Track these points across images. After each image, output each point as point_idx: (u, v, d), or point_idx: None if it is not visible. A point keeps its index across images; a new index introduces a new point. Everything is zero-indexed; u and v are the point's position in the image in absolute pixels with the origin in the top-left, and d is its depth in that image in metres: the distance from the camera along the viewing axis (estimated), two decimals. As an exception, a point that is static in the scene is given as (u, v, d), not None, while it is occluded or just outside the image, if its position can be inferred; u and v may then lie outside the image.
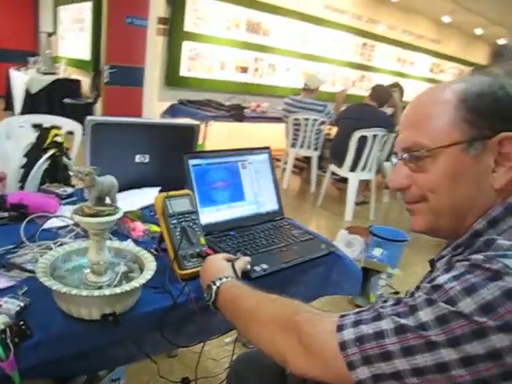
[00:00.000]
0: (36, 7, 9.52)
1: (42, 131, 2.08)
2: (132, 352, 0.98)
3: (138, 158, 1.46)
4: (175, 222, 1.11)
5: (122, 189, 1.50)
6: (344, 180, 5.07)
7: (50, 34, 7.19)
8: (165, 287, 1.04)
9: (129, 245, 1.04)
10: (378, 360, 0.61)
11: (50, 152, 1.78)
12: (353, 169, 4.43)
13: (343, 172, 4.53)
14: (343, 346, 0.65)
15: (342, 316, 0.69)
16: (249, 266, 1.13)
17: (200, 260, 1.11)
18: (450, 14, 7.42)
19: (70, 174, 0.85)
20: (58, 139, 1.90)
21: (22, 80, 6.62)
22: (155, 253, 1.18)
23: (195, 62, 5.85)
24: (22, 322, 0.82)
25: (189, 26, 5.57)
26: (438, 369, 0.57)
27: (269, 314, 0.81)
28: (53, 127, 2.08)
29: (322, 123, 5.06)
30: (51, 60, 7.07)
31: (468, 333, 0.55)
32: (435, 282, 0.62)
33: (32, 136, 2.15)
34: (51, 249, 1.05)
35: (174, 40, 5.49)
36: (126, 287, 0.85)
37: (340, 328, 0.67)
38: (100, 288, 0.89)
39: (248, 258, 1.12)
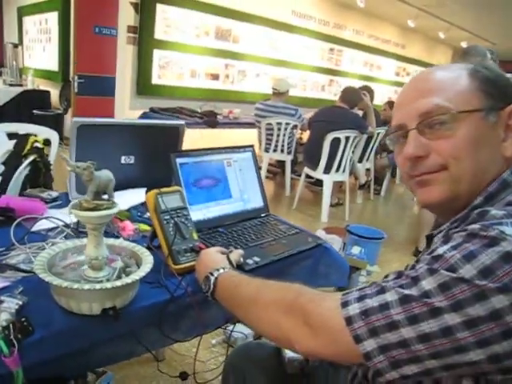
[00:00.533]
0: (0, 19, 9.35)
1: (20, 138, 2.05)
2: (132, 347, 0.99)
3: (123, 159, 1.47)
4: (168, 217, 1.12)
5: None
6: (318, 183, 5.16)
7: (15, 45, 7.05)
8: (160, 282, 1.05)
9: (123, 242, 1.05)
10: (384, 331, 0.63)
11: (31, 157, 1.77)
12: (327, 171, 4.51)
13: (317, 174, 4.61)
14: (349, 320, 0.67)
15: (345, 294, 0.72)
16: (242, 259, 1.15)
17: (194, 254, 1.13)
18: (414, 18, 7.67)
19: (68, 168, 0.85)
20: (38, 145, 1.89)
21: (-13, 92, 6.47)
22: (147, 250, 1.19)
23: (166, 70, 5.86)
24: (23, 319, 0.82)
25: (159, 34, 5.58)
26: (443, 333, 0.59)
27: (270, 297, 0.83)
28: (30, 134, 2.06)
29: (295, 127, 5.14)
30: (18, 71, 6.93)
31: (469, 296, 0.58)
32: (435, 253, 0.65)
33: (9, 144, 2.13)
34: (44, 249, 1.05)
35: (144, 48, 5.49)
36: (127, 280, 0.86)
37: (345, 304, 0.69)
38: (100, 282, 0.90)
39: (241, 251, 1.14)
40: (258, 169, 1.60)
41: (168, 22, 5.63)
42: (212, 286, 0.96)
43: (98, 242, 0.91)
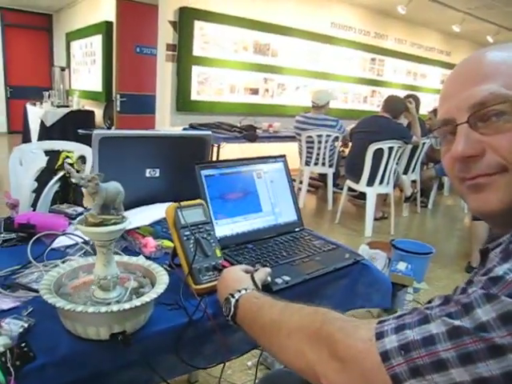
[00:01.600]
0: (51, 44, 9.81)
1: (53, 155, 2.05)
2: (146, 376, 0.90)
3: (148, 173, 1.40)
4: (188, 233, 1.04)
5: (132, 205, 1.45)
6: (361, 196, 4.98)
7: (63, 69, 7.32)
8: (179, 303, 0.96)
9: (139, 259, 0.97)
10: (429, 371, 0.51)
11: (61, 173, 1.74)
12: (370, 183, 4.33)
13: (360, 187, 4.44)
14: (385, 356, 0.55)
15: (381, 322, 0.60)
16: (269, 278, 1.05)
17: (216, 273, 1.04)
18: (460, 23, 7.38)
19: (73, 180, 0.78)
20: (69, 160, 1.87)
21: (37, 114, 6.73)
22: (168, 269, 1.11)
23: (205, 86, 5.88)
24: (23, 344, 0.75)
25: (197, 50, 5.62)
26: (507, 379, 0.47)
27: (295, 323, 0.72)
28: (64, 151, 2.06)
29: (336, 139, 5.00)
30: (64, 93, 7.19)
31: None
32: (493, 274, 0.52)
33: (43, 161, 2.13)
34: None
35: (183, 65, 5.54)
36: (136, 302, 0.78)
37: (380, 335, 0.57)
38: (108, 304, 0.82)
39: (268, 269, 1.04)
40: (292, 180, 1.50)
41: (206, 38, 5.67)
42: (232, 309, 0.87)
43: (108, 260, 0.83)
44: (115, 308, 0.76)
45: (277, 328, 0.75)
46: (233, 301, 0.87)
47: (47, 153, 2.27)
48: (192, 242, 1.03)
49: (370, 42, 7.65)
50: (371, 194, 4.37)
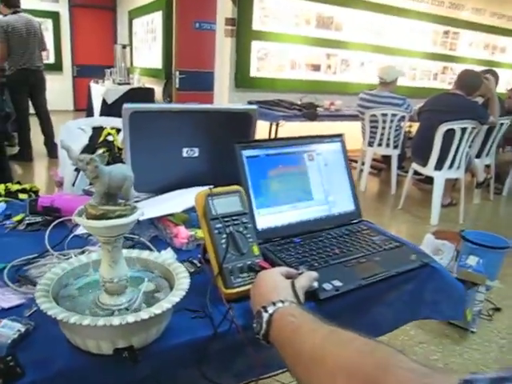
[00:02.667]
0: (114, 23, 9.95)
1: (95, 131, 1.96)
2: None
3: (185, 152, 1.25)
4: (220, 226, 0.87)
5: (166, 189, 1.31)
6: (428, 180, 4.62)
7: (124, 46, 7.36)
8: (205, 311, 0.81)
9: (161, 255, 0.82)
10: None
11: (99, 151, 1.64)
12: (438, 167, 3.98)
13: (427, 171, 4.10)
14: None
15: (468, 381, 0.41)
16: (316, 284, 0.87)
17: (252, 275, 0.87)
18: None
19: (70, 162, 0.63)
20: (110, 138, 1.76)
21: (99, 92, 6.82)
22: (199, 265, 0.95)
23: (264, 62, 5.67)
24: (10, 358, 0.62)
25: (256, 24, 5.39)
26: None
27: (344, 361, 0.54)
28: (108, 128, 1.96)
29: (402, 118, 4.64)
30: (126, 71, 7.23)
31: None
32: None
33: (88, 138, 2.05)
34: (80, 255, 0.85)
35: (243, 40, 5.34)
36: (143, 315, 0.62)
37: None
38: (113, 313, 0.67)
39: (314, 274, 0.86)
40: (349, 163, 1.29)
41: (266, 11, 5.43)
42: (264, 326, 0.70)
43: (114, 259, 0.68)
44: (116, 321, 0.61)
45: (318, 361, 0.57)
46: (265, 316, 0.70)
47: (95, 130, 2.20)
48: (224, 236, 0.87)
49: (443, 13, 7.05)
50: (439, 178, 4.02)
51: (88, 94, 7.67)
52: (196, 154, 1.26)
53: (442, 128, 3.79)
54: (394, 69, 4.86)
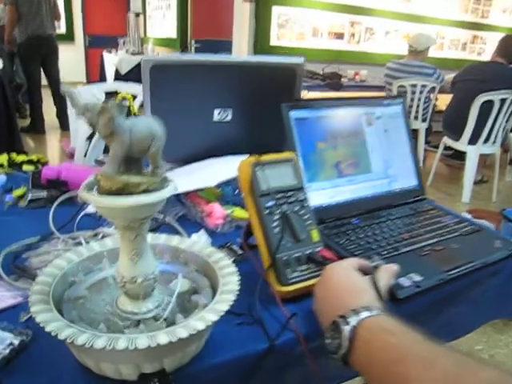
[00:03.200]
0: (128, -9, 9.64)
1: (109, 97, 1.76)
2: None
3: (217, 115, 1.04)
4: (271, 204, 0.67)
5: (194, 159, 1.11)
6: (456, 156, 4.36)
7: (137, 14, 7.07)
8: (253, 314, 0.61)
9: (196, 243, 0.62)
10: None
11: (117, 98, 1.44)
12: (473, 141, 3.71)
13: (460, 145, 3.83)
14: None
15: None
16: (392, 280, 0.67)
17: (312, 268, 0.67)
18: None
19: (74, 112, 0.43)
20: (126, 103, 1.56)
21: (112, 62, 6.59)
22: (240, 252, 0.76)
23: (285, 30, 5.36)
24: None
25: (277, -12, 5.08)
26: None
27: None
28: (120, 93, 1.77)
29: (432, 90, 4.34)
30: (139, 40, 6.97)
31: None
32: None
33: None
34: (82, 244, 0.66)
35: (262, 5, 5.04)
36: (181, 332, 0.43)
37: None
38: (138, 324, 0.48)
39: (395, 267, 0.66)
40: (411, 130, 1.07)
41: (287, -27, 5.11)
42: (346, 344, 0.50)
43: (137, 251, 0.49)
44: (142, 343, 0.41)
45: None
46: (346, 330, 0.50)
47: (108, 95, 2.00)
48: (277, 218, 0.67)
49: (475, -22, 6.62)
50: (473, 153, 3.76)
51: (101, 64, 7.44)
52: (229, 117, 1.05)
53: (479, 99, 3.51)
54: (427, 36, 4.52)
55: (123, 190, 0.44)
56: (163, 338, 0.42)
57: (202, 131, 1.05)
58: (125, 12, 9.22)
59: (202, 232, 0.79)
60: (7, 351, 0.51)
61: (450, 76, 4.29)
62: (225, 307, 0.48)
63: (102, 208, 0.44)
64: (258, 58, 1.08)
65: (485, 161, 4.33)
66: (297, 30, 5.44)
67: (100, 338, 0.42)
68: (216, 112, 1.04)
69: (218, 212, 0.85)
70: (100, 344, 0.41)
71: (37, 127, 5.07)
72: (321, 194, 0.90)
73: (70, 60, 8.81)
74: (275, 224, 0.66)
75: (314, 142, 0.91)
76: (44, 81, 5.12)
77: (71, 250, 0.59)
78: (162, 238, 0.62)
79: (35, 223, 0.87)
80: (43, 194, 0.96)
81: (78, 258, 0.57)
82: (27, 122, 5.21)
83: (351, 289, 0.57)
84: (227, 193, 0.95)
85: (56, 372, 0.51)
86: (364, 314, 0.51)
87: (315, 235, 0.70)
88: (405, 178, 1.05)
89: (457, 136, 3.81)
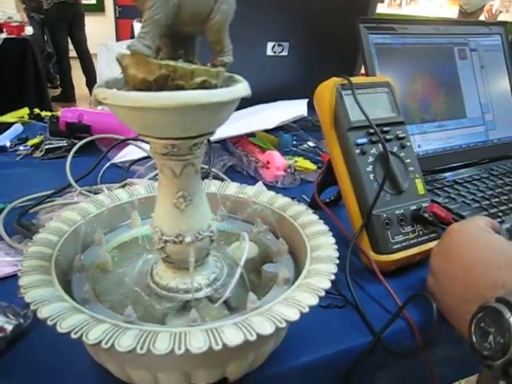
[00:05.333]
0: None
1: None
2: None
3: (271, 49, 0.85)
4: (365, 141, 0.48)
5: (245, 103, 0.92)
6: None
7: None
8: (342, 293, 0.43)
9: (264, 191, 0.44)
10: None
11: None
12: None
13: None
14: None
15: None
16: None
17: (420, 229, 0.48)
18: None
19: None
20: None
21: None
22: (312, 211, 0.57)
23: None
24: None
25: None
26: None
27: None
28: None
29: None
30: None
31: None
32: None
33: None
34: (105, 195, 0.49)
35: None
36: (261, 324, 0.25)
37: None
38: (185, 307, 0.31)
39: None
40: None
41: None
42: (517, 346, 0.31)
43: (186, 192, 0.31)
44: (197, 344, 0.24)
45: None
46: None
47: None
48: (371, 161, 0.48)
49: None
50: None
51: (131, 34, 7.28)
52: (285, 52, 0.86)
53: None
54: (481, -5, 4.15)
55: (167, 83, 0.25)
56: (234, 334, 0.24)
57: (254, 68, 0.85)
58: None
59: (260, 185, 0.61)
60: (-6, 342, 0.34)
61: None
62: (324, 283, 0.30)
63: (133, 112, 0.26)
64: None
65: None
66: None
67: (126, 332, 0.24)
68: (269, 45, 0.85)
69: (278, 161, 0.66)
70: (126, 343, 0.24)
71: (67, 96, 4.97)
72: (407, 142, 0.70)
73: (101, 31, 8.67)
74: (369, 169, 0.47)
75: (398, 75, 0.71)
76: (73, 53, 4.99)
77: (88, 199, 0.41)
78: (213, 186, 0.44)
79: (52, 176, 0.71)
80: (62, 142, 0.80)
81: (97, 210, 0.39)
82: (58, 91, 5.13)
83: (501, 259, 0.38)
84: (286, 140, 0.76)
85: (63, 370, 0.34)
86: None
87: (421, 186, 0.51)
88: (505, 126, 0.83)
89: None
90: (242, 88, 0.28)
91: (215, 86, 0.27)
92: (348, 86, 0.48)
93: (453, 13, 4.13)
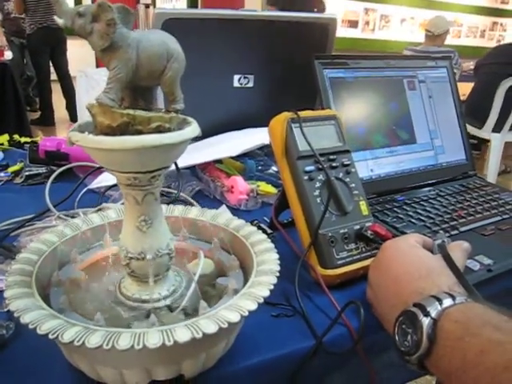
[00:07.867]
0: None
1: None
2: None
3: (237, 81, 0.92)
4: (312, 169, 0.55)
5: (213, 130, 0.99)
6: (476, 147, 4.18)
7: (147, 6, 6.96)
8: (292, 304, 0.49)
9: (219, 214, 0.50)
10: None
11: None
12: (497, 129, 3.54)
13: (483, 133, 3.65)
14: None
15: None
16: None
17: (363, 247, 0.54)
18: None
19: (59, 22, 0.30)
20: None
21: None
22: (269, 231, 0.63)
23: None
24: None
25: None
26: None
27: None
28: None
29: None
30: (150, 32, 6.86)
31: None
32: None
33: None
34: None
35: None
36: (207, 327, 0.31)
37: None
38: (148, 315, 0.36)
39: (466, 244, 0.52)
40: (459, 96, 0.94)
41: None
42: (426, 342, 0.37)
43: (146, 216, 0.37)
44: (153, 341, 0.29)
45: None
46: (426, 324, 0.38)
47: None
48: (318, 186, 0.54)
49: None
50: (498, 141, 3.58)
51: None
52: (251, 84, 0.93)
53: (506, 83, 3.33)
54: (444, 19, 4.33)
55: (128, 128, 0.31)
56: (183, 333, 0.30)
57: (221, 99, 0.92)
58: (134, 4, 9.12)
59: (224, 208, 0.67)
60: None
61: (467, 64, 4.12)
62: (264, 292, 0.36)
63: (100, 152, 0.32)
64: (286, 13, 0.94)
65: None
66: (311, 18, 5.29)
67: (95, 332, 0.30)
68: (236, 78, 0.92)
69: (241, 186, 0.72)
70: (95, 341, 0.29)
71: (46, 119, 4.99)
72: (359, 167, 0.77)
73: (82, 54, 8.73)
74: (316, 193, 0.54)
75: (351, 106, 0.78)
76: (53, 75, 5.03)
77: (65, 223, 0.46)
78: (176, 210, 0.50)
79: (32, 201, 0.75)
80: (42, 169, 0.85)
81: (73, 232, 0.44)
82: (37, 115, 5.14)
83: (422, 270, 0.44)
84: (251, 166, 0.82)
85: (43, 374, 0.39)
86: (447, 301, 0.39)
87: (364, 208, 0.57)
88: (452, 151, 0.91)
89: (480, 123, 3.63)
90: (191, 130, 0.34)
91: (169, 130, 0.33)
92: (297, 120, 0.55)
93: (423, 37, 4.31)
